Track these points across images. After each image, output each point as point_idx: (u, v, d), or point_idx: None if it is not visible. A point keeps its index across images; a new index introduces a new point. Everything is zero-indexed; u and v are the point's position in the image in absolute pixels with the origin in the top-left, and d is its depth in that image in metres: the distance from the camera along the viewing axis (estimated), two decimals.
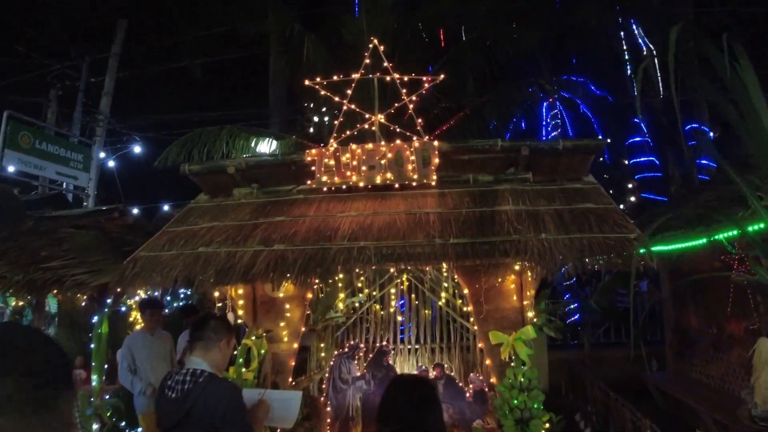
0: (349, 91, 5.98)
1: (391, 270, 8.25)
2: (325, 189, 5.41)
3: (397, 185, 5.38)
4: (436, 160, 5.36)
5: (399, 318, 8.48)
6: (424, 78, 6.05)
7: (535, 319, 5.09)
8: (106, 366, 7.10)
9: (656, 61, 20.62)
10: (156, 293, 8.80)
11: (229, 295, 5.23)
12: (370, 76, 5.92)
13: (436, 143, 5.40)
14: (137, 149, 19.38)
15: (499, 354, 5.16)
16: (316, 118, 14.92)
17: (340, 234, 4.66)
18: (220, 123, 11.72)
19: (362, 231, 4.66)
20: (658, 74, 20.41)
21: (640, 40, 21.33)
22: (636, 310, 12.15)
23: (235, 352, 5.33)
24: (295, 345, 5.55)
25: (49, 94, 17.89)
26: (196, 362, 3.38)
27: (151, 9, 19.29)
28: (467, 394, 7.36)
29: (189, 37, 19.04)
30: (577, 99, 21.34)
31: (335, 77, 6.01)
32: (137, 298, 7.45)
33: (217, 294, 5.22)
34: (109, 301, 7.21)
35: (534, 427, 4.59)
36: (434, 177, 5.36)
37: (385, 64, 5.86)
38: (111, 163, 19.12)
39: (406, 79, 5.99)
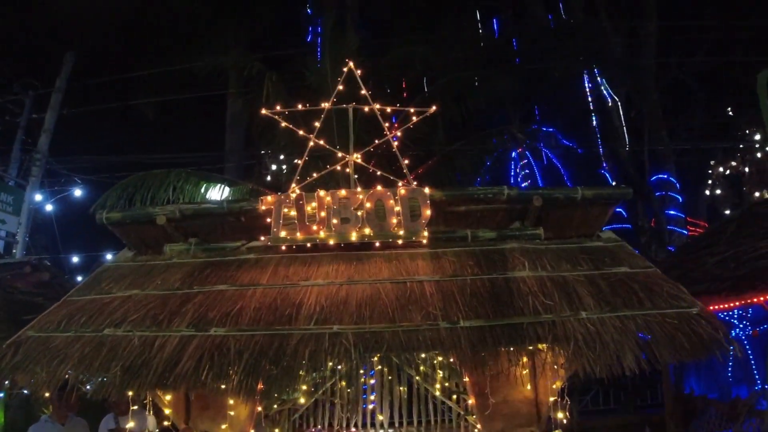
0: (316, 124, 4.78)
1: None
2: (284, 247, 4.15)
3: (378, 243, 4.18)
4: (428, 212, 4.20)
5: (371, 398, 7.16)
6: (412, 110, 4.93)
7: (564, 421, 3.88)
8: None
9: (621, 111, 20.61)
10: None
11: (149, 397, 3.85)
12: (345, 105, 4.78)
13: (427, 190, 4.25)
14: (78, 192, 17.77)
15: None
16: (274, 166, 14.03)
17: (304, 312, 3.38)
18: (172, 167, 10.80)
19: (335, 308, 3.40)
20: (623, 124, 20.36)
21: (604, 91, 21.25)
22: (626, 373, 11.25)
23: None
24: None
25: None
26: None
27: (103, 43, 18.18)
28: None
29: (142, 73, 17.98)
30: (546, 149, 20.91)
31: (299, 106, 4.86)
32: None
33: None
34: (7, 382, 5.71)
35: None
36: (425, 234, 4.19)
37: (363, 91, 4.71)
38: (49, 207, 17.44)
39: (388, 109, 4.86)
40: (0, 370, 3.42)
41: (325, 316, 3.33)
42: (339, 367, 6.98)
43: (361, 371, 7.15)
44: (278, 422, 6.67)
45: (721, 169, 18.54)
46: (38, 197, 16.30)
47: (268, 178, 13.72)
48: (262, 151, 15.42)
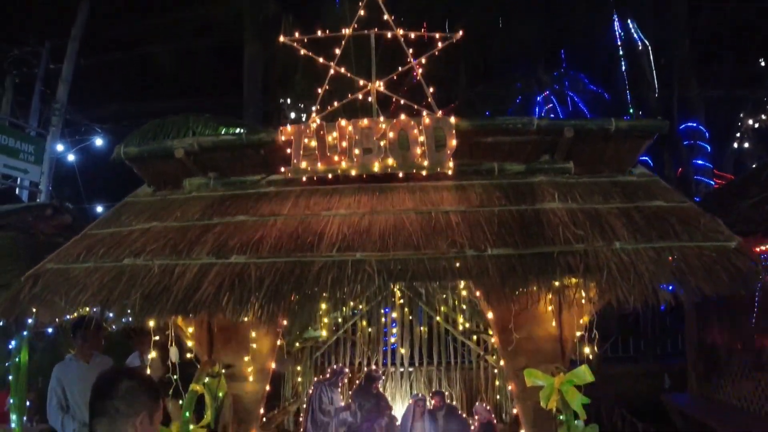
0: (337, 51, 4.56)
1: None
2: (304, 179, 4.02)
3: (401, 175, 4.02)
4: (453, 143, 4.01)
5: (391, 337, 7.18)
6: (437, 35, 4.67)
7: (590, 356, 3.78)
8: (29, 403, 5.69)
9: (651, 57, 19.83)
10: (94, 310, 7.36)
11: (171, 328, 3.82)
12: (366, 31, 4.53)
13: (453, 120, 4.04)
14: (99, 142, 17.81)
15: (534, 400, 3.85)
16: (293, 114, 13.83)
17: (326, 241, 3.27)
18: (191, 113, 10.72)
19: (358, 237, 3.28)
20: (653, 69, 19.63)
21: (635, 35, 20.40)
22: (646, 321, 11.12)
23: (180, 402, 3.91)
24: (265, 386, 4.17)
25: (4, 81, 16.31)
26: None
27: None
28: (471, 428, 6.33)
29: (159, 21, 17.73)
30: (572, 93, 20.26)
31: (319, 32, 4.64)
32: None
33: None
34: (30, 320, 5.78)
35: None
36: (450, 165, 4.01)
37: (386, 17, 4.46)
38: (71, 157, 17.53)
39: (412, 35, 4.61)
40: (19, 302, 3.40)
41: (347, 244, 3.22)
42: (360, 307, 7.00)
43: (381, 311, 7.17)
44: (300, 360, 6.73)
45: (750, 121, 17.93)
46: (60, 147, 16.37)
47: (288, 126, 13.59)
48: (281, 100, 15.23)
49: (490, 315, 4.15)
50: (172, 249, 3.42)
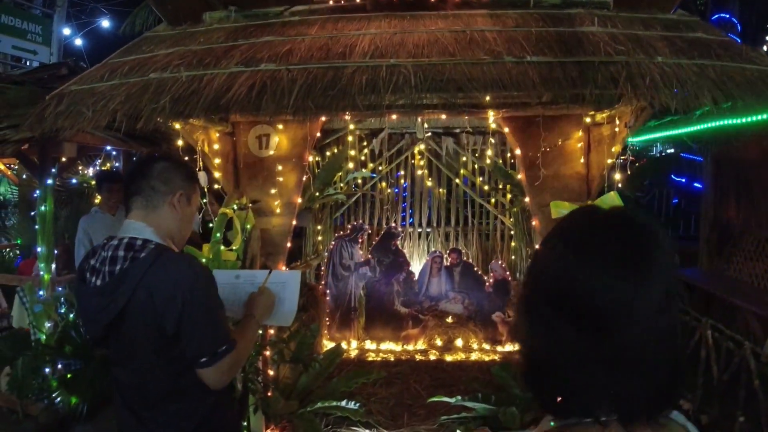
0: None
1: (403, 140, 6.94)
2: (331, 1, 3.84)
3: (432, 0, 3.83)
4: None
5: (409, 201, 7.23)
6: None
7: (620, 184, 3.76)
8: (56, 251, 5.85)
9: None
10: (116, 165, 7.40)
11: (199, 152, 3.80)
12: None
13: None
14: (105, 23, 17.28)
15: None
16: None
17: (358, 51, 3.15)
18: None
19: (391, 48, 3.15)
20: None
21: None
22: (660, 203, 11.14)
23: (210, 225, 3.99)
24: (291, 220, 4.22)
25: None
26: (133, 227, 1.99)
27: None
28: (486, 284, 6.51)
29: None
30: None
31: None
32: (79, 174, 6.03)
33: (180, 142, 3.78)
34: (54, 170, 5.82)
35: None
36: None
37: None
38: (78, 42, 17.09)
39: None
40: (45, 117, 3.37)
41: (380, 53, 3.10)
42: (380, 168, 6.98)
43: (401, 173, 7.18)
44: (321, 220, 6.83)
45: None
46: (66, 31, 15.90)
47: None
48: None
49: (518, 152, 4.10)
50: (199, 62, 3.32)
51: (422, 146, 6.94)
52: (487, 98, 3.03)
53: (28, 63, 13.98)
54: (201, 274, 1.89)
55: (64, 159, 6.22)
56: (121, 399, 2.01)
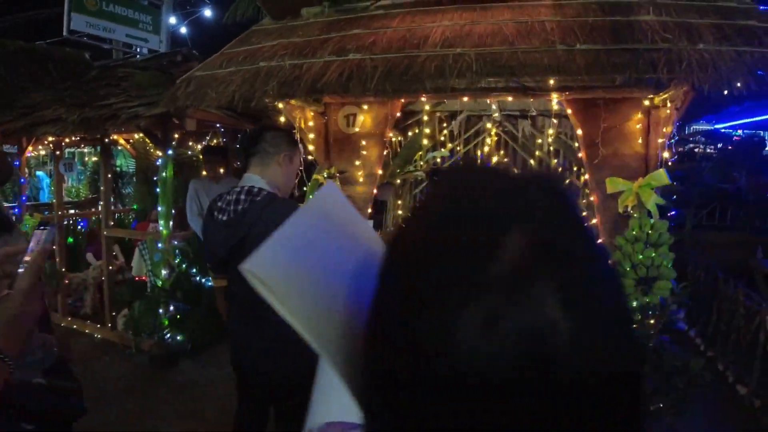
0: None
1: (480, 123, 7.36)
2: None
3: None
4: None
5: None
6: None
7: (669, 163, 4.08)
8: (173, 212, 6.84)
9: None
10: (224, 140, 8.36)
11: (297, 127, 4.51)
12: None
13: None
14: (207, 13, 18.63)
15: (612, 207, 4.28)
16: None
17: (430, 42, 3.71)
18: None
19: (459, 39, 3.69)
20: None
21: None
22: (748, 192, 10.84)
23: (305, 189, 4.71)
24: (372, 189, 4.86)
25: None
26: (251, 179, 2.70)
27: None
28: None
29: None
30: None
31: None
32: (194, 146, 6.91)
33: (282, 119, 4.51)
34: (174, 143, 6.78)
35: (658, 289, 3.77)
36: None
37: None
38: (183, 30, 18.53)
39: None
40: (177, 97, 4.18)
41: (449, 43, 3.65)
42: (458, 148, 7.46)
43: (478, 153, 7.60)
44: (401, 195, 7.43)
45: None
46: (172, 20, 17.28)
47: None
48: None
49: (579, 131, 4.49)
50: (299, 53, 4.01)
51: (498, 128, 7.34)
52: (551, 81, 3.48)
53: (138, 50, 15.41)
54: None
55: (176, 135, 7.17)
56: (237, 311, 2.72)
